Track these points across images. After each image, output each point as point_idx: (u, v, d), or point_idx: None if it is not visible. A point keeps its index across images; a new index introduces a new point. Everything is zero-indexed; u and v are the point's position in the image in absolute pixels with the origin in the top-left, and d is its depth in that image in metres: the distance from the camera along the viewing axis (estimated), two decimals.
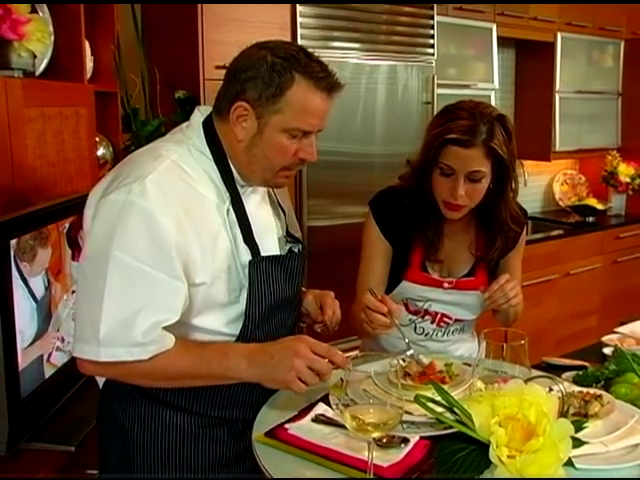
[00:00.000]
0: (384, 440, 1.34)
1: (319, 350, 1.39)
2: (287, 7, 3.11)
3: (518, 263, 2.07)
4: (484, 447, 1.21)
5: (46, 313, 1.83)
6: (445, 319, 1.99)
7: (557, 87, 4.67)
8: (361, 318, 1.72)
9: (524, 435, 1.17)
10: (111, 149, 2.72)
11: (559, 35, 4.58)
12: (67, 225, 1.94)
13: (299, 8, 3.11)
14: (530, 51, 4.75)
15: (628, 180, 4.99)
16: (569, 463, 1.20)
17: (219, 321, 1.51)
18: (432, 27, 3.62)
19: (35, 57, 2.08)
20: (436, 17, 3.63)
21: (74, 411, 1.94)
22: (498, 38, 4.19)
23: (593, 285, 4.74)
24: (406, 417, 1.35)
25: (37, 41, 2.01)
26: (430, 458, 1.31)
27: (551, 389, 1.37)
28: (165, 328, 1.39)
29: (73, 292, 1.92)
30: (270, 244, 1.59)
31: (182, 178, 1.44)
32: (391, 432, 1.31)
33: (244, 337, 1.52)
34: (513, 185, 1.87)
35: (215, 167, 1.50)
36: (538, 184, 5.25)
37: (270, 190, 1.67)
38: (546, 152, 4.73)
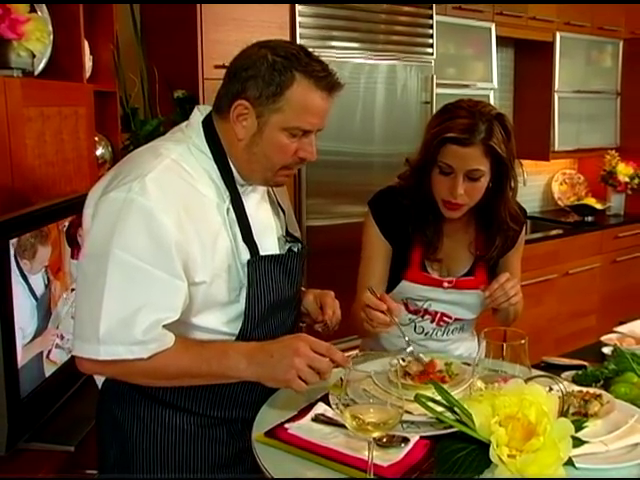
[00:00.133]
0: (384, 440, 1.34)
1: (319, 348, 1.39)
2: (286, 7, 3.11)
3: (517, 262, 2.07)
4: (484, 447, 1.21)
5: (46, 311, 1.84)
6: (445, 318, 1.99)
7: (556, 87, 4.68)
8: (361, 317, 1.72)
9: (524, 434, 1.17)
10: (110, 149, 2.71)
11: (558, 35, 4.58)
12: (67, 224, 1.94)
13: (298, 8, 3.11)
14: (529, 51, 4.76)
15: (627, 180, 4.99)
16: (569, 462, 1.20)
17: (219, 320, 1.51)
18: (431, 27, 3.62)
19: (34, 57, 2.08)
20: (435, 17, 3.63)
21: (73, 411, 1.94)
22: (497, 38, 4.19)
23: (592, 285, 4.74)
24: (406, 417, 1.35)
25: (36, 40, 2.01)
26: (430, 458, 1.31)
27: (551, 389, 1.37)
28: (165, 327, 1.39)
29: (72, 290, 1.93)
30: (270, 243, 1.59)
31: (182, 177, 1.44)
32: (391, 432, 1.31)
33: (244, 336, 1.52)
34: (512, 184, 1.87)
35: (215, 166, 1.50)
36: (537, 184, 5.25)
37: (269, 189, 1.67)
38: (545, 152, 4.73)
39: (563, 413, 1.31)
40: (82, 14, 2.35)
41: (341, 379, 1.36)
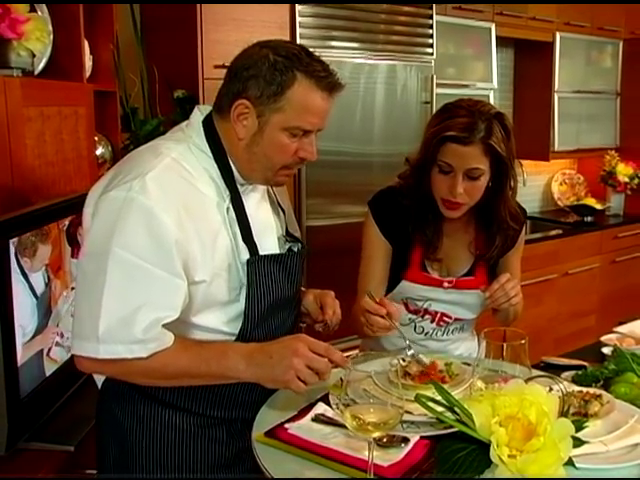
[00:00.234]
0: (384, 440, 1.34)
1: (318, 349, 1.39)
2: (286, 7, 3.11)
3: (517, 262, 2.07)
4: (485, 447, 1.21)
5: (46, 309, 1.84)
6: (445, 318, 1.99)
7: (556, 87, 4.68)
8: (361, 321, 1.72)
9: (525, 435, 1.17)
10: (110, 148, 2.71)
11: (558, 35, 4.58)
12: (67, 223, 1.95)
13: (298, 8, 3.11)
14: (529, 51, 4.76)
15: (626, 180, 4.99)
16: (569, 462, 1.21)
17: (219, 320, 1.51)
18: (431, 27, 3.62)
19: (34, 56, 2.08)
20: (435, 17, 3.64)
21: (73, 411, 1.95)
22: (497, 38, 4.19)
23: (592, 285, 4.74)
24: (406, 417, 1.35)
25: (36, 40, 2.01)
26: (430, 458, 1.31)
27: (551, 389, 1.37)
28: (165, 326, 1.39)
29: (72, 289, 1.93)
30: (269, 243, 1.59)
31: (182, 176, 1.44)
32: (391, 432, 1.31)
33: (244, 336, 1.52)
34: (512, 184, 1.87)
35: (215, 165, 1.50)
36: (537, 184, 5.25)
37: (270, 189, 1.67)
38: (545, 152, 4.73)
39: (563, 413, 1.30)
40: (82, 14, 2.35)
41: (341, 379, 1.36)
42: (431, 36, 3.63)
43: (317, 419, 1.45)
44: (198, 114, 1.54)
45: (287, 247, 1.64)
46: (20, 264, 1.68)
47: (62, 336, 1.91)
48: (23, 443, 1.72)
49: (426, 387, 1.49)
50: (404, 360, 1.63)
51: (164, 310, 1.38)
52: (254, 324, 1.53)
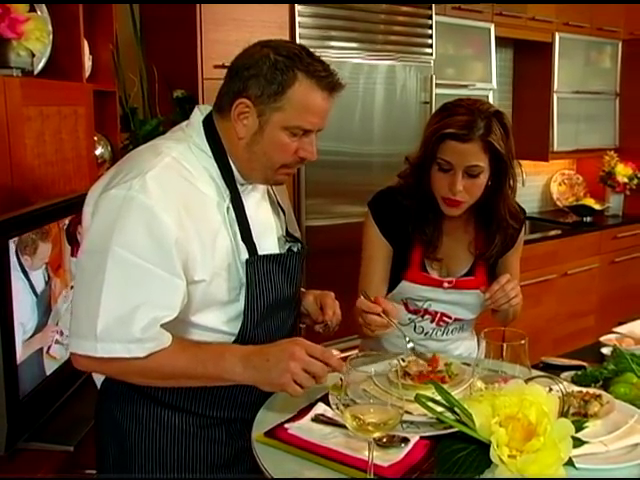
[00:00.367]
0: (384, 440, 1.35)
1: (315, 353, 1.39)
2: (286, 7, 3.11)
3: (516, 262, 2.07)
4: (485, 447, 1.21)
5: (46, 307, 1.84)
6: (445, 318, 1.99)
7: (555, 87, 4.68)
8: (359, 323, 1.72)
9: (525, 435, 1.17)
10: (109, 148, 2.71)
11: (557, 35, 4.59)
12: (67, 222, 1.95)
13: (298, 8, 3.11)
14: (528, 51, 4.76)
15: (626, 180, 5.00)
16: (569, 463, 1.20)
17: (219, 319, 1.51)
18: (430, 27, 3.63)
19: (34, 56, 2.08)
20: (434, 17, 3.64)
21: (73, 411, 1.95)
22: (496, 38, 4.20)
23: (591, 285, 4.74)
24: (406, 417, 1.35)
25: (36, 40, 2.01)
26: (430, 458, 1.31)
27: (551, 389, 1.37)
28: (164, 326, 1.39)
29: (72, 287, 1.93)
30: (269, 243, 1.59)
31: (182, 175, 1.44)
32: (391, 432, 1.31)
33: (243, 336, 1.52)
34: (511, 183, 1.87)
35: (215, 165, 1.50)
36: (536, 184, 5.26)
37: (270, 189, 1.67)
38: (544, 152, 4.74)
39: (563, 413, 1.31)
40: (82, 14, 2.35)
41: (341, 379, 1.36)
42: (430, 36, 3.63)
43: (317, 419, 1.45)
44: (198, 114, 1.54)
45: (287, 247, 1.64)
46: (20, 262, 1.69)
47: (62, 334, 1.92)
48: (22, 443, 1.72)
49: (426, 387, 1.49)
50: (404, 360, 1.63)
51: (163, 310, 1.38)
52: (254, 324, 1.53)
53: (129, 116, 2.89)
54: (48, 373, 1.88)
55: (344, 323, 1.70)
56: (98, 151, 2.62)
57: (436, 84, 3.63)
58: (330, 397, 1.49)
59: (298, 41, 3.04)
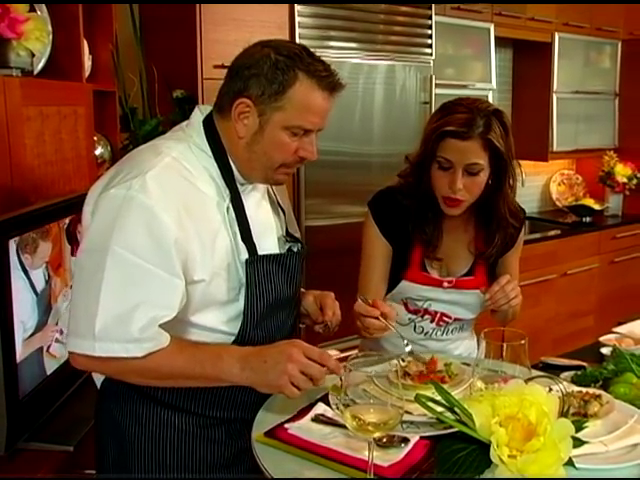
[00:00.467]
0: (384, 440, 1.35)
1: (312, 355, 1.39)
2: (285, 7, 3.11)
3: (516, 263, 2.07)
4: (485, 447, 1.21)
5: (46, 306, 1.85)
6: (444, 318, 1.99)
7: (554, 87, 4.68)
8: (358, 325, 1.72)
9: (525, 435, 1.17)
10: (109, 148, 2.71)
11: (556, 35, 4.59)
12: (67, 221, 1.95)
13: (297, 8, 3.11)
14: (527, 51, 4.76)
15: (625, 180, 5.00)
16: (569, 463, 1.20)
17: (218, 319, 1.51)
18: (430, 27, 3.63)
19: (33, 56, 2.08)
20: (434, 17, 3.64)
21: (72, 411, 1.95)
22: (496, 38, 4.20)
23: (590, 285, 4.75)
24: (406, 417, 1.35)
25: (35, 40, 2.01)
26: (430, 458, 1.31)
27: (551, 389, 1.37)
28: (164, 326, 1.39)
29: (72, 287, 1.93)
30: (269, 243, 1.59)
31: (182, 175, 1.44)
32: (391, 432, 1.31)
33: (243, 336, 1.52)
34: (511, 182, 1.88)
35: (215, 164, 1.50)
36: (535, 184, 5.26)
37: (270, 189, 1.67)
38: (543, 152, 4.74)
39: (563, 413, 1.31)
40: (81, 14, 2.35)
41: (341, 380, 1.36)
42: (430, 36, 3.63)
43: (317, 419, 1.45)
44: (198, 114, 1.55)
45: (287, 247, 1.64)
46: (21, 260, 1.69)
47: (62, 333, 1.92)
48: (22, 443, 1.72)
49: (426, 387, 1.49)
50: (403, 360, 1.63)
51: (161, 309, 1.38)
52: (253, 324, 1.53)
53: (129, 116, 2.89)
54: (48, 372, 1.88)
55: (344, 323, 1.70)
56: (98, 151, 2.62)
57: (436, 84, 3.63)
58: (330, 397, 1.49)
59: (298, 41, 3.03)
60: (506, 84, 4.90)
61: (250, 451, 1.37)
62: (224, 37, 2.89)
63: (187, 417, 1.54)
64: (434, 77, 3.63)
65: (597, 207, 4.93)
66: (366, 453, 1.25)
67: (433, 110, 3.39)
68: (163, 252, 1.37)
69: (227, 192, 1.50)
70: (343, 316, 1.70)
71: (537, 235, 4.50)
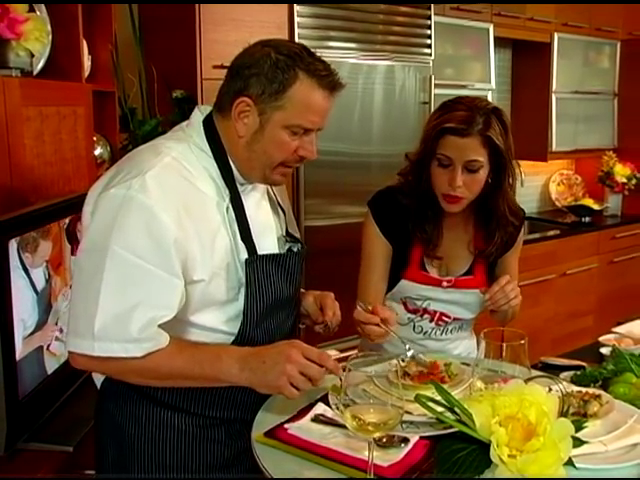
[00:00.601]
0: (384, 440, 1.34)
1: (311, 355, 1.39)
2: (284, 7, 3.11)
3: (515, 263, 2.08)
4: (485, 447, 1.21)
5: (46, 305, 1.85)
6: (444, 318, 1.99)
7: (553, 87, 4.68)
8: (358, 332, 1.73)
9: (524, 435, 1.18)
10: (109, 149, 2.71)
11: (556, 35, 4.59)
12: (67, 221, 1.96)
13: (296, 8, 3.11)
14: (527, 51, 4.76)
15: (624, 180, 5.00)
16: (569, 462, 1.21)
17: (218, 319, 1.51)
18: (429, 27, 3.63)
19: (33, 56, 2.08)
20: (433, 17, 3.64)
21: (72, 411, 1.95)
22: (495, 38, 4.19)
23: (589, 285, 4.74)
24: (406, 417, 1.35)
25: (35, 40, 2.01)
26: (430, 458, 1.31)
27: (550, 389, 1.37)
28: (164, 326, 1.39)
29: (72, 286, 1.93)
30: (269, 243, 1.59)
31: (182, 175, 1.44)
32: (391, 432, 1.31)
33: (243, 336, 1.52)
34: (510, 181, 1.88)
35: (215, 164, 1.50)
36: (534, 184, 5.26)
37: (270, 189, 1.67)
38: (543, 152, 4.74)
39: (563, 413, 1.31)
40: (81, 14, 2.35)
41: (340, 380, 1.36)
42: (429, 36, 3.63)
43: (317, 419, 1.45)
44: (198, 114, 1.55)
45: (287, 247, 1.64)
46: (22, 259, 1.70)
47: (61, 331, 1.92)
48: (22, 443, 1.73)
49: (426, 387, 1.49)
50: (403, 360, 1.63)
51: (160, 309, 1.38)
52: (253, 324, 1.53)
53: (128, 116, 2.89)
54: (49, 372, 1.88)
55: (344, 323, 1.70)
56: (97, 151, 2.62)
57: (435, 84, 3.63)
58: (330, 397, 1.49)
59: (297, 41, 3.03)
60: (505, 84, 4.91)
61: (250, 451, 1.37)
62: (223, 37, 2.89)
63: (187, 417, 1.54)
64: (433, 77, 3.63)
65: (596, 207, 4.93)
66: (366, 453, 1.25)
67: (432, 110, 3.39)
68: (162, 252, 1.37)
69: (227, 192, 1.51)
70: (343, 316, 1.70)
71: (536, 235, 4.50)
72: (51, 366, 1.90)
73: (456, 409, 1.31)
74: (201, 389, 1.52)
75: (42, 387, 1.83)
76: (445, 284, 1.95)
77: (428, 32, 3.62)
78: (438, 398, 1.35)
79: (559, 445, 1.16)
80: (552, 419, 1.19)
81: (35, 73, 2.20)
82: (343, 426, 1.31)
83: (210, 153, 1.50)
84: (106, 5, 2.65)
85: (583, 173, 5.39)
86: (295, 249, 1.63)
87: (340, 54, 3.26)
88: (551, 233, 4.56)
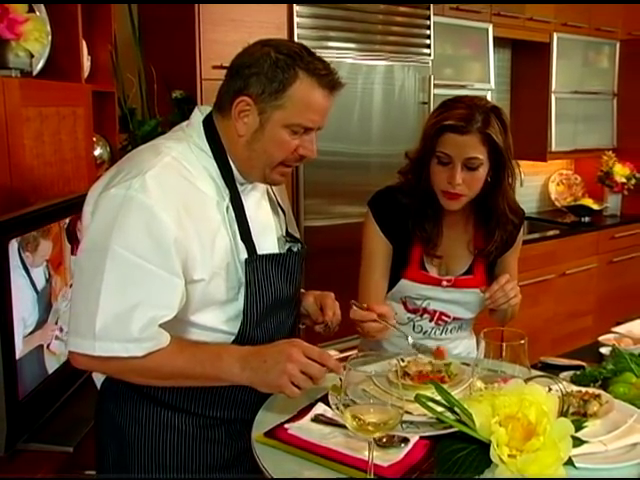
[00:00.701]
0: (384, 440, 1.34)
1: (312, 354, 1.39)
2: (284, 7, 3.11)
3: (515, 262, 2.08)
4: (484, 447, 1.21)
5: (46, 304, 1.85)
6: (443, 317, 1.99)
7: (553, 87, 4.68)
8: (358, 331, 1.73)
9: (524, 434, 1.18)
10: (108, 149, 2.71)
11: (555, 35, 4.59)
12: (67, 221, 1.96)
13: (296, 8, 3.11)
14: (526, 51, 4.77)
15: (624, 180, 5.00)
16: (569, 462, 1.21)
17: (218, 319, 1.51)
18: (428, 27, 3.63)
19: (32, 57, 2.08)
20: (432, 17, 3.64)
21: (72, 411, 1.95)
22: (494, 38, 4.20)
23: (589, 285, 4.75)
24: (406, 417, 1.35)
25: (34, 41, 2.01)
26: (430, 458, 1.31)
27: (550, 389, 1.37)
28: (164, 325, 1.39)
29: (71, 286, 1.93)
30: (269, 243, 1.59)
31: (182, 174, 1.45)
32: (391, 432, 1.31)
33: (243, 336, 1.52)
34: (510, 180, 1.88)
35: (215, 164, 1.51)
36: (534, 184, 5.26)
37: (269, 189, 1.67)
38: (542, 152, 4.74)
39: (563, 413, 1.31)
40: (80, 14, 2.35)
41: (340, 380, 1.36)
42: (429, 37, 3.63)
43: (317, 419, 1.45)
44: (198, 114, 1.55)
45: (287, 247, 1.64)
46: (22, 258, 1.70)
47: (62, 331, 1.93)
48: (22, 444, 1.72)
49: (426, 387, 1.49)
50: (403, 360, 1.63)
51: (161, 309, 1.38)
52: (253, 324, 1.53)
53: (128, 117, 2.89)
54: (50, 372, 1.89)
55: (344, 323, 1.71)
56: (97, 152, 2.62)
57: (434, 84, 3.63)
58: (330, 397, 1.49)
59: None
60: (505, 84, 4.91)
61: (250, 452, 1.37)
62: (223, 38, 2.89)
63: (187, 418, 1.54)
64: (433, 77, 3.63)
65: (596, 207, 4.93)
66: (366, 453, 1.25)
67: (432, 110, 3.39)
68: (163, 251, 1.37)
69: (227, 192, 1.51)
70: (343, 316, 1.70)
71: (536, 235, 4.50)
72: (51, 366, 1.90)
73: (456, 409, 1.31)
74: (201, 389, 1.52)
75: (42, 387, 1.83)
76: (445, 284, 1.95)
77: (427, 32, 3.62)
78: (438, 398, 1.35)
79: (559, 445, 1.16)
80: (552, 419, 1.19)
81: (35, 73, 2.20)
82: (343, 426, 1.31)
83: (210, 153, 1.51)
84: (105, 5, 2.65)
85: (582, 173, 5.39)
86: (295, 249, 1.64)
87: (339, 54, 3.26)
88: (550, 233, 4.57)
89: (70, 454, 1.77)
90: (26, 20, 1.97)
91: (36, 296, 1.79)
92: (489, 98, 4.14)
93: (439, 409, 1.34)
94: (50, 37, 2.26)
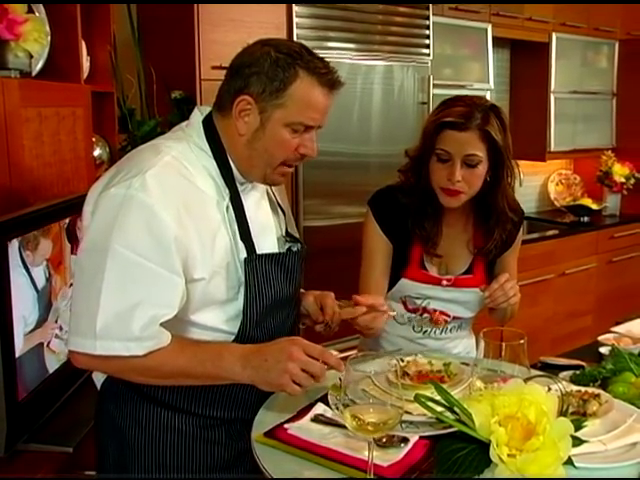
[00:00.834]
0: (384, 440, 1.34)
1: (313, 352, 1.39)
2: (283, 7, 3.11)
3: (514, 262, 2.08)
4: (484, 446, 1.21)
5: (46, 303, 1.85)
6: (443, 317, 1.99)
7: (552, 87, 4.68)
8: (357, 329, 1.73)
9: (524, 434, 1.18)
10: (108, 149, 2.71)
11: (554, 35, 4.59)
12: (67, 220, 1.96)
13: (295, 8, 3.11)
14: (525, 51, 4.77)
15: (623, 180, 5.00)
16: (568, 462, 1.21)
17: (218, 318, 1.51)
18: (428, 27, 3.63)
19: (32, 57, 2.08)
20: (432, 17, 3.64)
21: (72, 412, 1.95)
22: (493, 38, 4.20)
23: (588, 285, 4.75)
24: (405, 417, 1.35)
25: (34, 41, 2.01)
26: (430, 458, 1.31)
27: (550, 388, 1.37)
28: (164, 325, 1.39)
29: (72, 285, 1.93)
30: (268, 242, 1.59)
31: (182, 174, 1.45)
32: (391, 432, 1.31)
33: (243, 335, 1.52)
34: (509, 179, 1.88)
35: (215, 164, 1.51)
36: (533, 184, 5.26)
37: (269, 189, 1.67)
38: (541, 152, 4.74)
39: (562, 413, 1.31)
40: (79, 14, 2.35)
41: (340, 379, 1.36)
42: (428, 37, 3.63)
43: (316, 419, 1.45)
44: (198, 114, 1.55)
45: (287, 247, 1.64)
46: (22, 257, 1.70)
47: (61, 329, 1.93)
48: (22, 444, 1.72)
49: (425, 387, 1.49)
50: (403, 360, 1.63)
51: (162, 308, 1.38)
52: (253, 323, 1.53)
53: (127, 117, 2.89)
54: (49, 366, 1.89)
55: (344, 323, 1.71)
56: (96, 152, 2.62)
57: (433, 84, 3.63)
58: (330, 397, 1.49)
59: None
60: (504, 84, 4.91)
61: (250, 453, 1.37)
62: (222, 38, 2.89)
63: (187, 418, 1.55)
64: (432, 77, 3.63)
65: (595, 207, 4.93)
66: (366, 453, 1.25)
67: (431, 110, 3.39)
68: (163, 250, 1.37)
69: (227, 191, 1.51)
70: None
71: (535, 235, 4.50)
72: (52, 366, 1.90)
73: (455, 409, 1.31)
74: (201, 388, 1.52)
75: (42, 387, 1.83)
76: (445, 283, 1.95)
77: (427, 32, 3.63)
78: (437, 398, 1.35)
79: (558, 444, 1.17)
80: (551, 418, 1.19)
81: (34, 74, 2.20)
82: (343, 426, 1.31)
83: (210, 152, 1.51)
84: (104, 6, 2.65)
85: (582, 173, 5.39)
86: (295, 249, 1.64)
87: (339, 54, 3.26)
88: (550, 233, 4.57)
89: (70, 454, 1.77)
90: (25, 21, 1.97)
91: (36, 295, 1.79)
92: (488, 98, 4.14)
93: (439, 409, 1.34)
94: (49, 37, 2.26)
